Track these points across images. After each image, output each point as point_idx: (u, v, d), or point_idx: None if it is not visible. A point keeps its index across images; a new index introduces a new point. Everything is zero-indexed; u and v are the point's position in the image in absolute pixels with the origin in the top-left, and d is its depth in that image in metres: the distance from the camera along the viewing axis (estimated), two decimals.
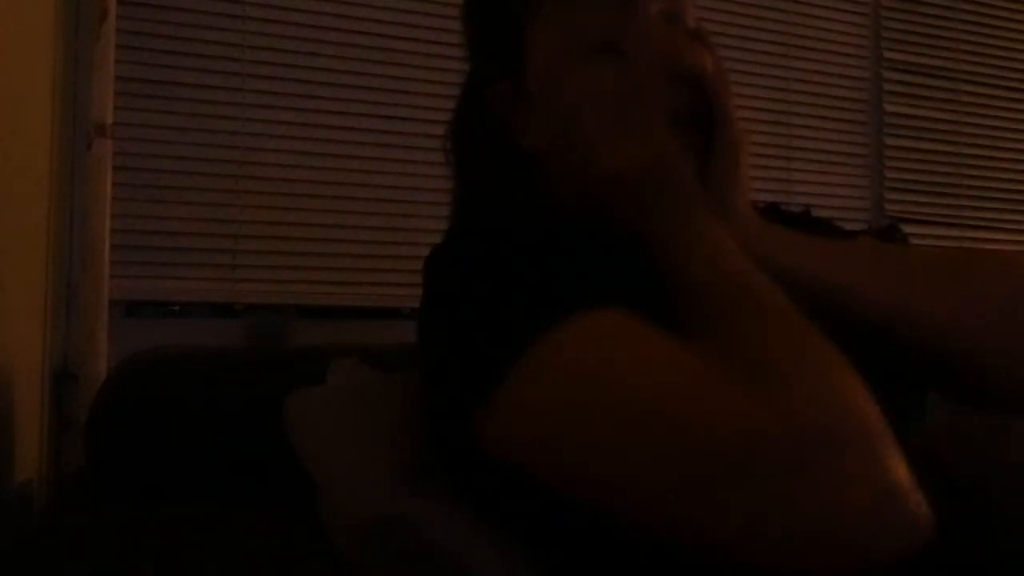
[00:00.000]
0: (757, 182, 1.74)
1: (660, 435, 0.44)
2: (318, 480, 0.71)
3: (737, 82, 1.73)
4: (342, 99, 1.46)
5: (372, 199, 1.46)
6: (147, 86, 1.35)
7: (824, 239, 0.66)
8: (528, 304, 0.52)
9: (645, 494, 0.45)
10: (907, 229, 1.72)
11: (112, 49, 1.28)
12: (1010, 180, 1.98)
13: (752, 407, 0.42)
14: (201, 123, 1.38)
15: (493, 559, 0.59)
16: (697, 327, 0.50)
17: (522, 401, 0.50)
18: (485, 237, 0.61)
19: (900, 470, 0.42)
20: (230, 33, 1.40)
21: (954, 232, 1.92)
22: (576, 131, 0.66)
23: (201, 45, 1.38)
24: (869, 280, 0.61)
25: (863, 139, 1.87)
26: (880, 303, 0.60)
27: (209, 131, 1.38)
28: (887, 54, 1.89)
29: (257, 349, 1.28)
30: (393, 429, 0.70)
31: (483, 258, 0.58)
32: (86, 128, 1.26)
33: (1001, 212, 1.97)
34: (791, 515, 0.41)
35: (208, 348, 1.07)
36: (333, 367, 0.81)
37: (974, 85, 1.97)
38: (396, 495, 0.62)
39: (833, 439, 0.41)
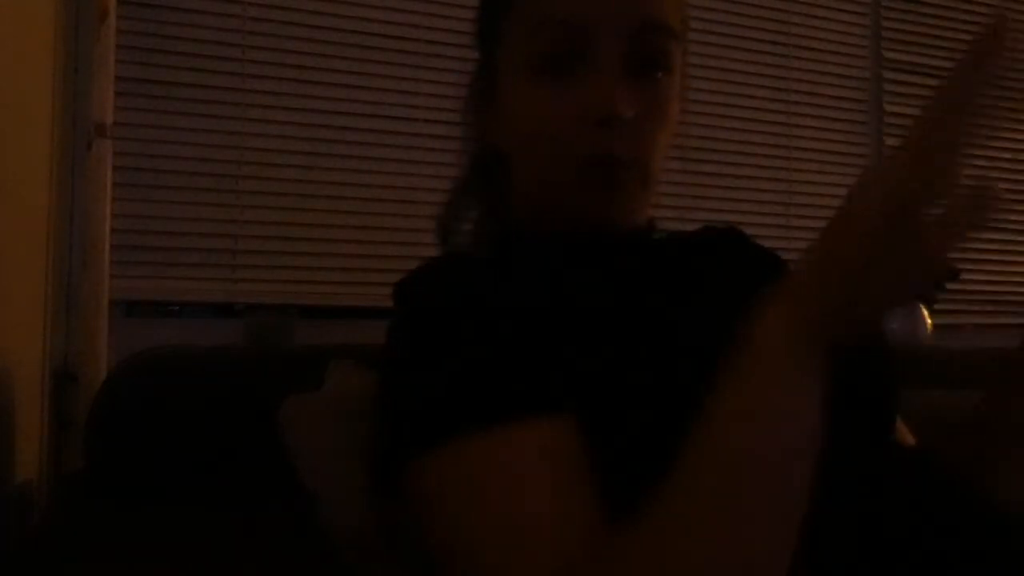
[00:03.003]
0: (757, 182, 1.75)
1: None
2: (314, 487, 0.71)
3: (737, 82, 1.76)
4: (342, 99, 1.46)
5: (372, 199, 1.46)
6: (147, 86, 1.35)
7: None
8: (479, 376, 0.53)
9: None
10: None
11: (112, 49, 1.28)
12: (1010, 180, 1.98)
13: None
14: (201, 123, 1.38)
15: None
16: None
17: (428, 484, 0.52)
18: (451, 279, 0.63)
19: None
20: (230, 33, 1.40)
21: None
22: (519, 146, 0.69)
23: (201, 45, 1.38)
24: None
25: (863, 139, 1.87)
26: None
27: (209, 131, 1.38)
28: (887, 54, 1.89)
29: (257, 349, 1.28)
30: None
31: (447, 308, 0.59)
32: (86, 128, 1.26)
33: (1001, 212, 1.97)
34: None
35: (208, 348, 1.07)
36: (331, 369, 0.81)
37: None
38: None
39: None
